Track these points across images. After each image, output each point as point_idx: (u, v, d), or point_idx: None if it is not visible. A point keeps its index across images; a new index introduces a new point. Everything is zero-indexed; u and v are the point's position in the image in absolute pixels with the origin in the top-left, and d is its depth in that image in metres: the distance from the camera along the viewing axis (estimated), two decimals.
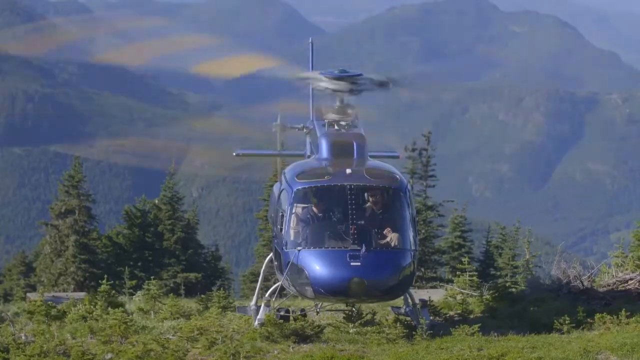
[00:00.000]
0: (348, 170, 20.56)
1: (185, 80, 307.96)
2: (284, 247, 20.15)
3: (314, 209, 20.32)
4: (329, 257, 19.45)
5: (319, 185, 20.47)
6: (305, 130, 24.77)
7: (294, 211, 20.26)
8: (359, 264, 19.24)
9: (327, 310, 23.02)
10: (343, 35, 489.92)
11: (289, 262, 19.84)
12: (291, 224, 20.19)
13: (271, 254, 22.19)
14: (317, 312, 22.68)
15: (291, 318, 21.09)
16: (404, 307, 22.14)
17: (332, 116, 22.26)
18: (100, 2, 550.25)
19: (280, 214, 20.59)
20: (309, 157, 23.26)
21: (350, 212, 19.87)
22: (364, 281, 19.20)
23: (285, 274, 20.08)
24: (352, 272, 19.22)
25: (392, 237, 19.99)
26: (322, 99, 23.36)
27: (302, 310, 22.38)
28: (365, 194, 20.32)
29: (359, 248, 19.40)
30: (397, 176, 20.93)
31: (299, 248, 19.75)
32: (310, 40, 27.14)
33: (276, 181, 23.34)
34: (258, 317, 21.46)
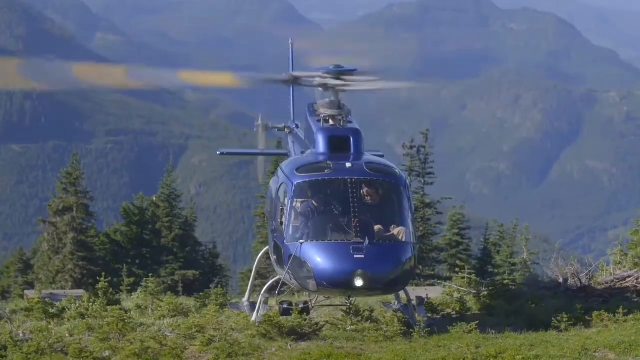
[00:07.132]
0: (348, 164, 20.48)
1: None
2: (284, 241, 19.97)
3: (315, 202, 20.17)
4: (332, 249, 19.29)
5: (319, 178, 20.34)
6: (287, 130, 24.69)
7: (294, 205, 20.10)
8: (362, 256, 19.09)
9: (324, 305, 22.92)
10: (341, 32, 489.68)
11: (290, 255, 19.67)
12: (292, 218, 20.01)
13: (264, 250, 22.00)
14: (312, 307, 22.53)
15: (295, 311, 20.85)
16: (394, 302, 22.10)
17: (326, 111, 22.14)
18: (98, 0, 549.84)
19: (280, 207, 20.41)
20: (302, 152, 23.11)
21: (352, 205, 19.76)
22: (368, 274, 19.13)
23: (286, 267, 19.91)
24: (356, 265, 19.08)
25: (394, 230, 19.94)
26: (313, 96, 23.28)
27: (305, 303, 22.16)
28: (366, 188, 20.24)
29: (361, 241, 19.30)
30: (396, 170, 20.95)
31: (301, 241, 19.57)
32: (290, 41, 27.16)
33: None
34: (258, 314, 21.31)
